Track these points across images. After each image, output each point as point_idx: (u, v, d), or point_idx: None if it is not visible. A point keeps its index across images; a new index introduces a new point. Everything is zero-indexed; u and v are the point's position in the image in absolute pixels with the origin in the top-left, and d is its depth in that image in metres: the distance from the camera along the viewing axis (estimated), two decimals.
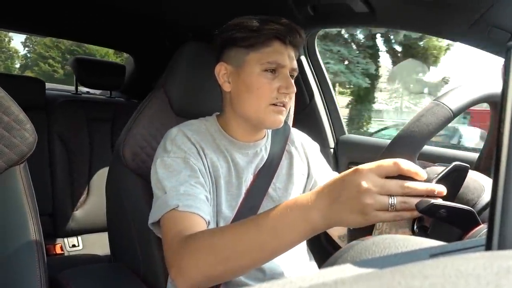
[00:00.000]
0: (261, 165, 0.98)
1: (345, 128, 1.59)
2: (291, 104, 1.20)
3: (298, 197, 0.64)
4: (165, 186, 0.83)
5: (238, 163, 0.95)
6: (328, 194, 0.59)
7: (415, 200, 0.56)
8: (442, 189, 0.57)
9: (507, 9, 0.84)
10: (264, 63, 0.88)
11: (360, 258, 0.39)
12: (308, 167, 1.07)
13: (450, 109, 0.64)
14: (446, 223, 0.59)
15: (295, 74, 0.94)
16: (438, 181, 0.60)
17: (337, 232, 1.02)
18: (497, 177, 0.27)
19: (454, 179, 0.59)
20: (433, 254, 0.30)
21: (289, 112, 1.16)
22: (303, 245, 1.02)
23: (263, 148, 1.00)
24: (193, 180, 0.84)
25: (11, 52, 25.40)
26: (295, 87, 0.91)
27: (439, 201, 0.56)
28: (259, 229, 0.63)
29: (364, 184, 0.55)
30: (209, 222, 0.82)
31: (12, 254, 0.74)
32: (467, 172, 0.60)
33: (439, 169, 0.61)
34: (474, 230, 0.57)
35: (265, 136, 1.02)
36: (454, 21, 0.96)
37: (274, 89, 0.89)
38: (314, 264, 1.04)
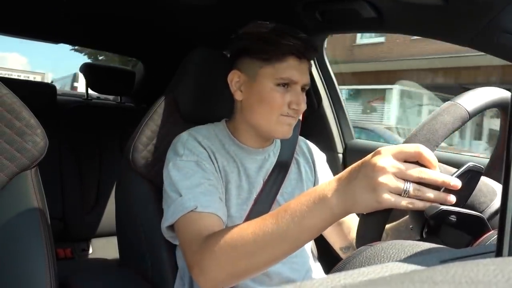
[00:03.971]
0: (270, 170, 0.98)
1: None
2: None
3: (318, 185, 0.64)
4: (180, 188, 0.82)
5: (248, 168, 0.96)
6: (346, 175, 0.59)
7: (429, 191, 0.56)
8: (457, 183, 0.56)
9: None
10: (277, 78, 0.88)
11: (369, 263, 0.39)
12: (314, 174, 1.07)
13: (466, 109, 0.63)
14: (455, 229, 0.59)
15: (307, 88, 0.93)
16: None
17: (338, 244, 1.03)
18: (506, 183, 0.26)
19: (467, 180, 0.58)
20: (443, 260, 0.30)
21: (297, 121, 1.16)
22: (308, 246, 1.01)
23: (272, 153, 1.01)
24: (207, 182, 0.84)
25: None
26: (305, 103, 0.91)
27: (449, 207, 0.56)
28: (278, 220, 0.62)
29: (381, 163, 0.55)
30: (225, 223, 0.82)
31: (23, 258, 0.75)
32: (481, 173, 0.60)
33: (453, 170, 0.61)
34: (484, 236, 0.57)
35: (273, 142, 1.03)
36: (463, 26, 0.95)
37: (285, 103, 0.89)
38: (318, 265, 1.04)
